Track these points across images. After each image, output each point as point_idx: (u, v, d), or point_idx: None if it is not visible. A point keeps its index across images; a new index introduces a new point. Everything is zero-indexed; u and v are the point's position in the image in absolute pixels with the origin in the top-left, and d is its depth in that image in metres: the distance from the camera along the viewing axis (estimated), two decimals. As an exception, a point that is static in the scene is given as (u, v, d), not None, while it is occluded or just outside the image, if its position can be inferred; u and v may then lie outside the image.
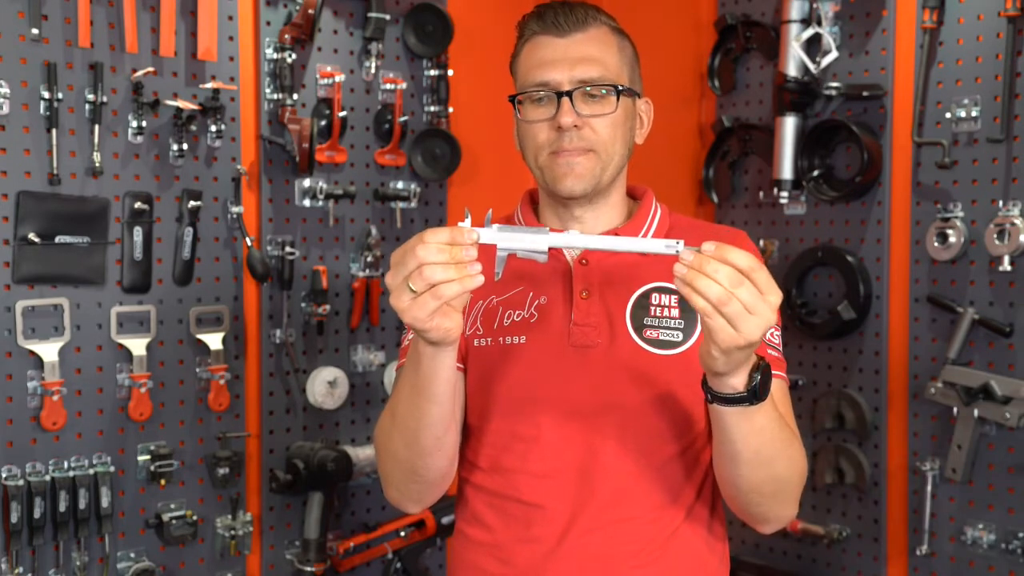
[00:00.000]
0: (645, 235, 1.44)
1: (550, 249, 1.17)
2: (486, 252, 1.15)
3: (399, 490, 1.42)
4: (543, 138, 1.38)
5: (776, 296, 1.10)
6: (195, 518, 2.38)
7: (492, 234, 1.14)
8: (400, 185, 2.72)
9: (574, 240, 1.17)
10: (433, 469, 1.36)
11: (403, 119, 2.69)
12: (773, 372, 1.25)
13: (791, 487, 1.32)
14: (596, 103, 1.38)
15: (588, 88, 1.37)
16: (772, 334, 1.39)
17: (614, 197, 1.46)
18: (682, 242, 1.12)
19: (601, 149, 1.38)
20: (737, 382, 1.17)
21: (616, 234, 1.42)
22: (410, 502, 1.43)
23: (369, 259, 2.65)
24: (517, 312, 1.42)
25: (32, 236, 2.15)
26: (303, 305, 2.58)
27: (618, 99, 1.38)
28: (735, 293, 1.08)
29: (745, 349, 1.11)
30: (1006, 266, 2.29)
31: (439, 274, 1.10)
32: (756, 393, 1.17)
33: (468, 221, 1.13)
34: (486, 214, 1.17)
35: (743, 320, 1.08)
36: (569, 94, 1.36)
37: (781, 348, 1.41)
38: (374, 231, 2.67)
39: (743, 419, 1.21)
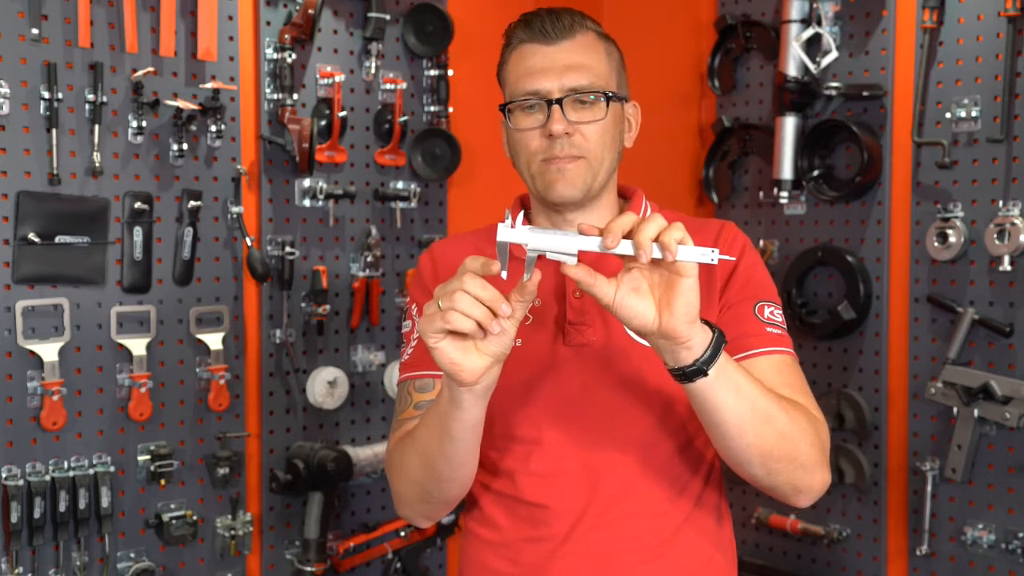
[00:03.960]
0: None
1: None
2: (501, 250, 1.15)
3: (412, 508, 1.42)
4: (535, 146, 1.39)
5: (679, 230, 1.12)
6: (195, 518, 2.38)
7: (523, 234, 1.13)
8: (400, 185, 2.72)
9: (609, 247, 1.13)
10: (449, 493, 1.37)
11: (403, 119, 2.69)
12: (777, 348, 1.37)
13: (805, 446, 1.28)
14: (586, 110, 1.38)
15: (578, 95, 1.37)
16: (773, 312, 1.40)
17: (605, 199, 1.46)
18: (717, 251, 1.12)
19: (591, 155, 1.39)
20: (697, 345, 1.17)
21: None
22: (422, 519, 1.45)
23: (369, 259, 2.65)
24: None
25: (32, 236, 2.15)
26: (303, 305, 2.58)
27: (607, 105, 1.39)
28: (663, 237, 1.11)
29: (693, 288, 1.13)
30: (1006, 266, 2.29)
31: (460, 304, 1.12)
32: (717, 350, 1.18)
33: (509, 221, 1.13)
34: (516, 213, 1.15)
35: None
36: (559, 102, 1.36)
37: (784, 326, 1.41)
38: (374, 231, 2.67)
39: (720, 385, 1.20)
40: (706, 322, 1.19)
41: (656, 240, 1.11)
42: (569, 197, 1.39)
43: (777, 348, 1.38)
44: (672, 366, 1.19)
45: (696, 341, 1.16)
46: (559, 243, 1.13)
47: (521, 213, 1.14)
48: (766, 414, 1.24)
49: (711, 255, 1.12)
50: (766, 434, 1.25)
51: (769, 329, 1.38)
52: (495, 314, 1.13)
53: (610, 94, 1.39)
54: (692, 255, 1.12)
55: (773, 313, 1.40)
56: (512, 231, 1.13)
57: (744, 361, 1.34)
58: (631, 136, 1.48)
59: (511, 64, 1.43)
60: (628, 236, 1.12)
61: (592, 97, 1.38)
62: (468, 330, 1.13)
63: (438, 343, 1.15)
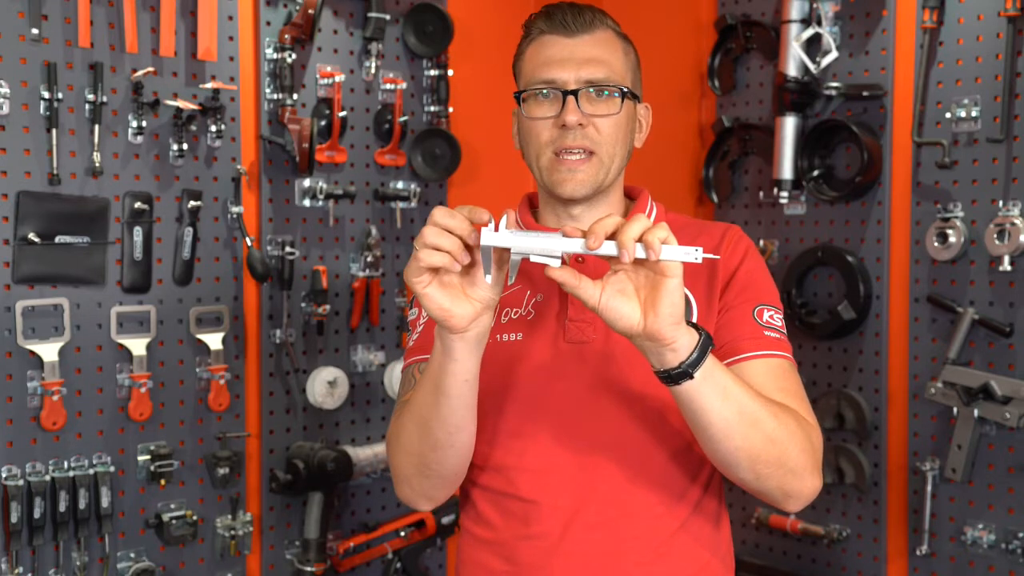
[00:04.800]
0: None
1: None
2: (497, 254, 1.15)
3: (410, 485, 1.41)
4: (546, 136, 1.39)
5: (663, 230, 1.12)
6: (195, 518, 2.38)
7: (506, 238, 1.13)
8: (400, 185, 2.72)
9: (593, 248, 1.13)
10: (446, 464, 1.36)
11: (403, 119, 2.69)
12: (773, 352, 1.36)
13: (794, 451, 1.28)
14: (601, 103, 1.39)
15: (593, 88, 1.38)
16: (772, 316, 1.40)
17: (612, 197, 1.46)
18: (700, 249, 1.12)
19: (602, 150, 1.39)
20: (682, 348, 1.17)
21: None
22: (422, 498, 1.42)
23: (369, 259, 2.65)
24: (515, 310, 1.43)
25: (32, 236, 2.15)
26: (303, 305, 2.58)
27: (622, 101, 1.39)
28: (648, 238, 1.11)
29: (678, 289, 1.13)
30: (1006, 266, 2.29)
31: (429, 238, 1.14)
32: (703, 353, 1.17)
33: (492, 225, 1.13)
34: (501, 217, 1.16)
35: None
36: (575, 93, 1.37)
37: (784, 331, 1.41)
38: (374, 231, 2.67)
39: (706, 388, 1.20)
40: (693, 325, 1.19)
41: (639, 240, 1.11)
42: (579, 196, 1.40)
43: (773, 352, 1.37)
44: (658, 368, 1.19)
45: (681, 343, 1.16)
46: (542, 245, 1.13)
47: (504, 217, 1.14)
48: (754, 418, 1.24)
49: (695, 254, 1.12)
50: (753, 438, 1.24)
51: (767, 333, 1.38)
52: (467, 244, 1.15)
53: (625, 89, 1.40)
54: (675, 254, 1.11)
55: (772, 317, 1.40)
56: (495, 235, 1.12)
57: (738, 364, 1.34)
58: (641, 137, 1.49)
59: (528, 54, 1.43)
60: (612, 237, 1.12)
61: (607, 92, 1.38)
62: (442, 263, 1.14)
63: (424, 288, 1.16)
